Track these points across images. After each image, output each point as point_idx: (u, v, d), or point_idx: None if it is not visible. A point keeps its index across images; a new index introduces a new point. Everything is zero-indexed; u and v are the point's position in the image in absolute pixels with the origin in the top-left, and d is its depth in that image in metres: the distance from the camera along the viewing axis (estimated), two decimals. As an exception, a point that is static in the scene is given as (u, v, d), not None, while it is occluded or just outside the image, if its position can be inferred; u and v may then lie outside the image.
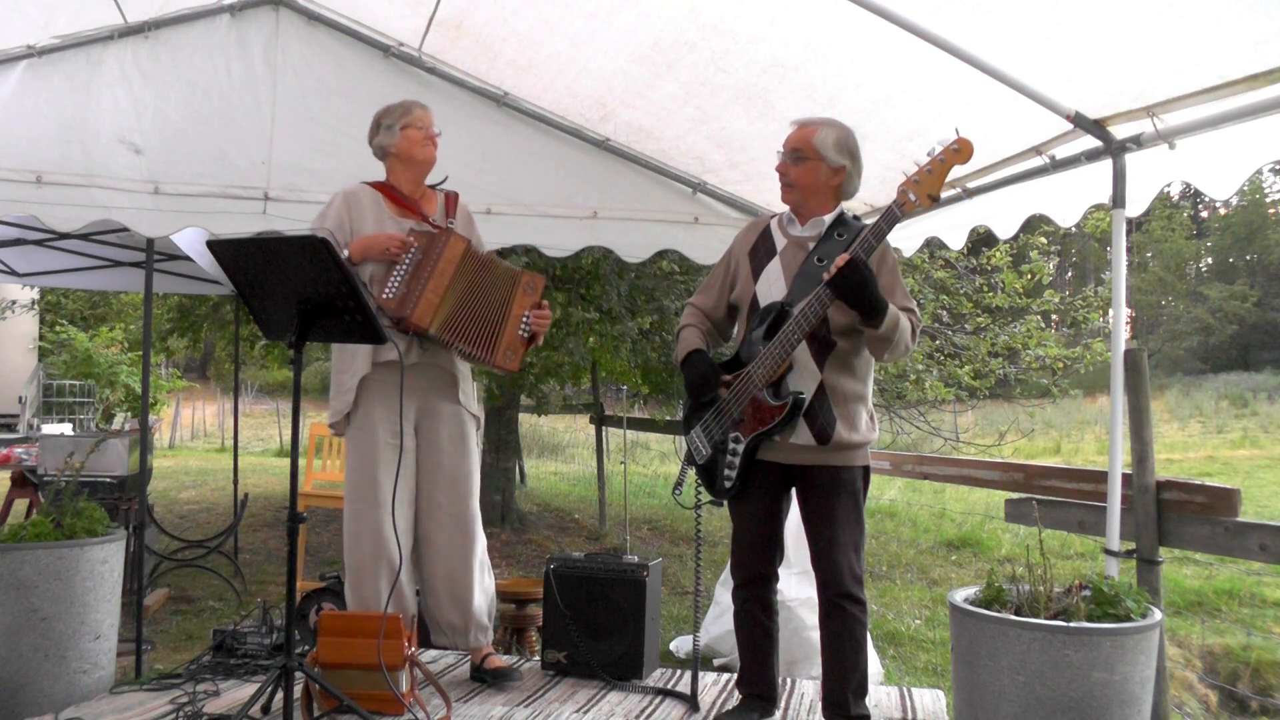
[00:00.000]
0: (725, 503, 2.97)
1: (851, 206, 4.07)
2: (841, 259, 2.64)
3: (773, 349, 2.77)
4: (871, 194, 4.09)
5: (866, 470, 2.92)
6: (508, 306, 3.23)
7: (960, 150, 2.63)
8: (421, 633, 3.62)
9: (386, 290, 3.15)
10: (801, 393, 2.79)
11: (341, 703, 2.84)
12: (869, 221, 2.82)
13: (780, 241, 2.96)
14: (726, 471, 2.88)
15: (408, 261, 3.16)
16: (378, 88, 4.13)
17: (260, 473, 12.83)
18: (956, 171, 3.70)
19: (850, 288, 2.65)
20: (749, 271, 2.97)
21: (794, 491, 2.97)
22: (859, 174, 2.93)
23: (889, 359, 2.87)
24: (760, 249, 2.98)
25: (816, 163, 2.86)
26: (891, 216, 2.66)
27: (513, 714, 3.08)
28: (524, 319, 3.25)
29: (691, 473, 3.02)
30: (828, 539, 2.82)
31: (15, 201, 3.79)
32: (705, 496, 2.99)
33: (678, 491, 3.06)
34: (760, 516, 2.94)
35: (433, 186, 3.45)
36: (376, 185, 3.35)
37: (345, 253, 3.13)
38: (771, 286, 2.89)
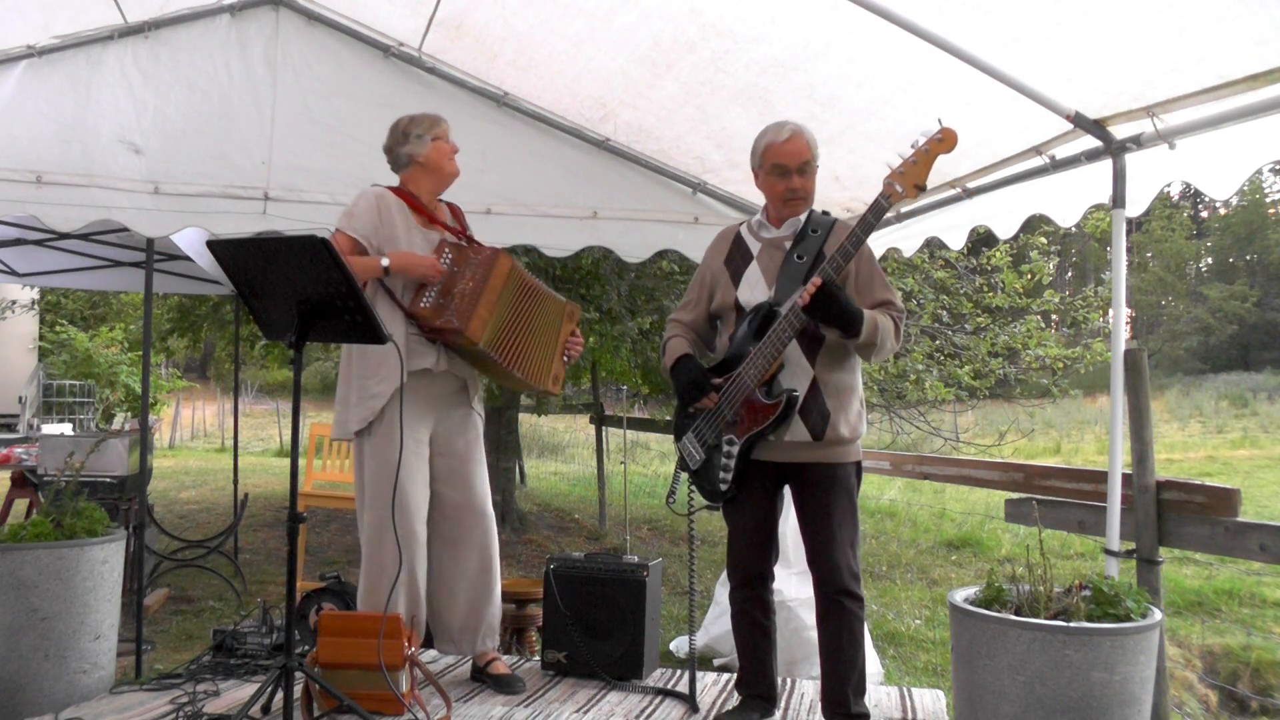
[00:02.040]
0: (720, 506, 2.98)
1: (850, 206, 4.08)
2: (813, 284, 2.66)
3: (763, 349, 2.78)
4: (871, 194, 4.08)
5: (859, 466, 2.93)
6: (558, 335, 3.33)
7: (944, 139, 2.63)
8: (424, 634, 3.62)
9: (424, 300, 3.15)
10: (795, 390, 2.79)
11: (341, 703, 2.84)
12: (845, 217, 2.83)
13: (755, 246, 2.98)
14: (722, 475, 2.88)
15: (447, 275, 3.19)
16: (378, 88, 4.13)
17: (260, 473, 12.83)
18: (957, 171, 3.73)
19: (822, 311, 2.68)
20: (728, 279, 2.98)
21: (787, 490, 2.97)
22: None
23: (876, 360, 2.90)
24: (735, 256, 3.00)
25: (815, 166, 2.92)
26: (879, 209, 2.67)
27: (513, 714, 3.08)
28: (567, 346, 3.38)
29: (685, 478, 3.02)
30: (825, 537, 2.83)
31: (15, 201, 3.79)
32: (699, 501, 2.99)
33: (670, 500, 3.06)
34: (755, 517, 2.95)
35: None
36: (397, 191, 3.31)
37: (386, 261, 3.12)
38: (754, 289, 2.91)
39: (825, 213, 2.98)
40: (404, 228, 3.25)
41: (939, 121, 2.65)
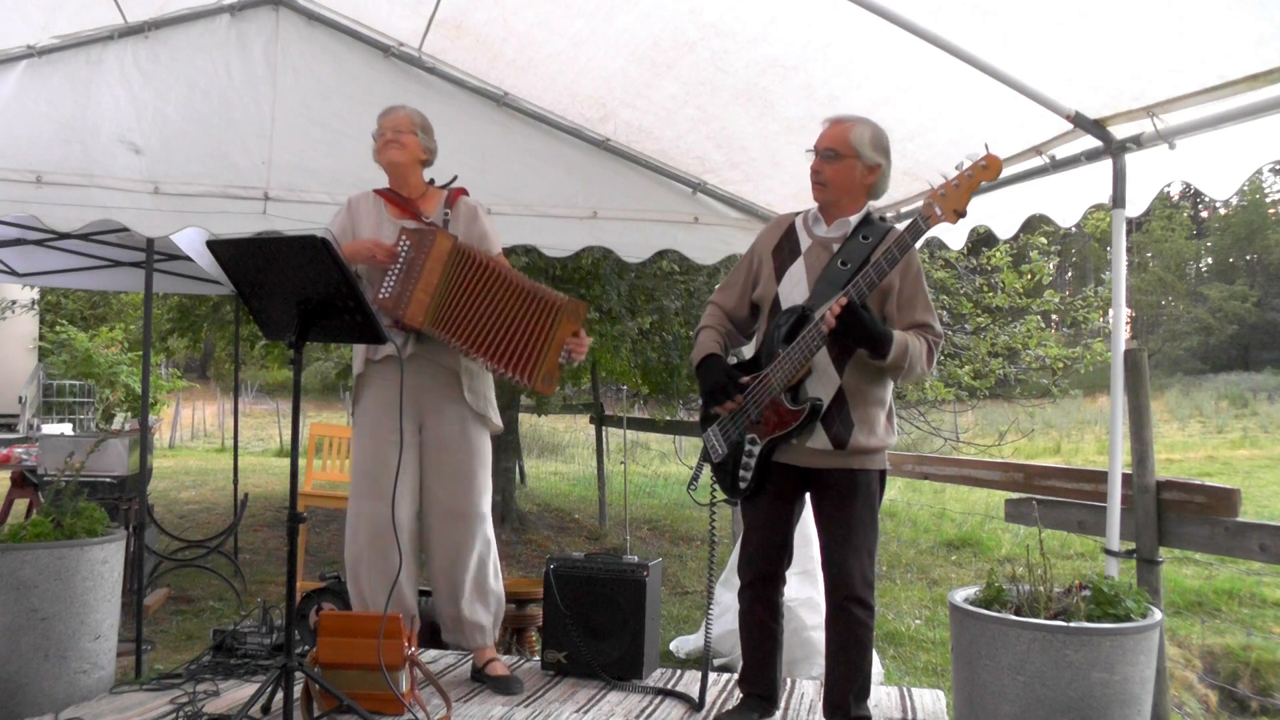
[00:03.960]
0: (739, 502, 2.97)
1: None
2: (837, 305, 2.63)
3: (792, 354, 2.75)
4: (871, 194, 4.09)
5: (883, 474, 2.89)
6: (550, 333, 3.22)
7: (989, 167, 2.59)
8: (426, 633, 3.63)
9: (383, 290, 3.17)
10: (819, 398, 2.77)
11: (341, 703, 2.83)
12: (892, 224, 2.79)
13: (805, 241, 2.91)
14: (743, 472, 2.87)
15: (401, 260, 3.18)
16: (378, 88, 4.13)
17: (260, 473, 12.83)
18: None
19: (848, 333, 2.65)
20: (772, 271, 2.93)
21: (808, 494, 2.96)
22: (890, 172, 2.89)
23: (903, 382, 2.85)
24: (784, 248, 2.94)
25: (852, 160, 2.81)
26: (917, 230, 2.63)
27: (513, 714, 3.08)
28: (567, 347, 3.25)
29: (707, 469, 3.01)
30: (840, 541, 2.81)
31: (15, 201, 3.80)
32: (720, 494, 2.99)
33: (693, 487, 3.04)
34: (773, 518, 2.94)
35: (443, 186, 3.46)
36: (379, 191, 3.41)
37: None
38: (794, 289, 2.85)
39: (883, 219, 2.91)
40: (374, 224, 3.34)
41: (985, 147, 2.59)
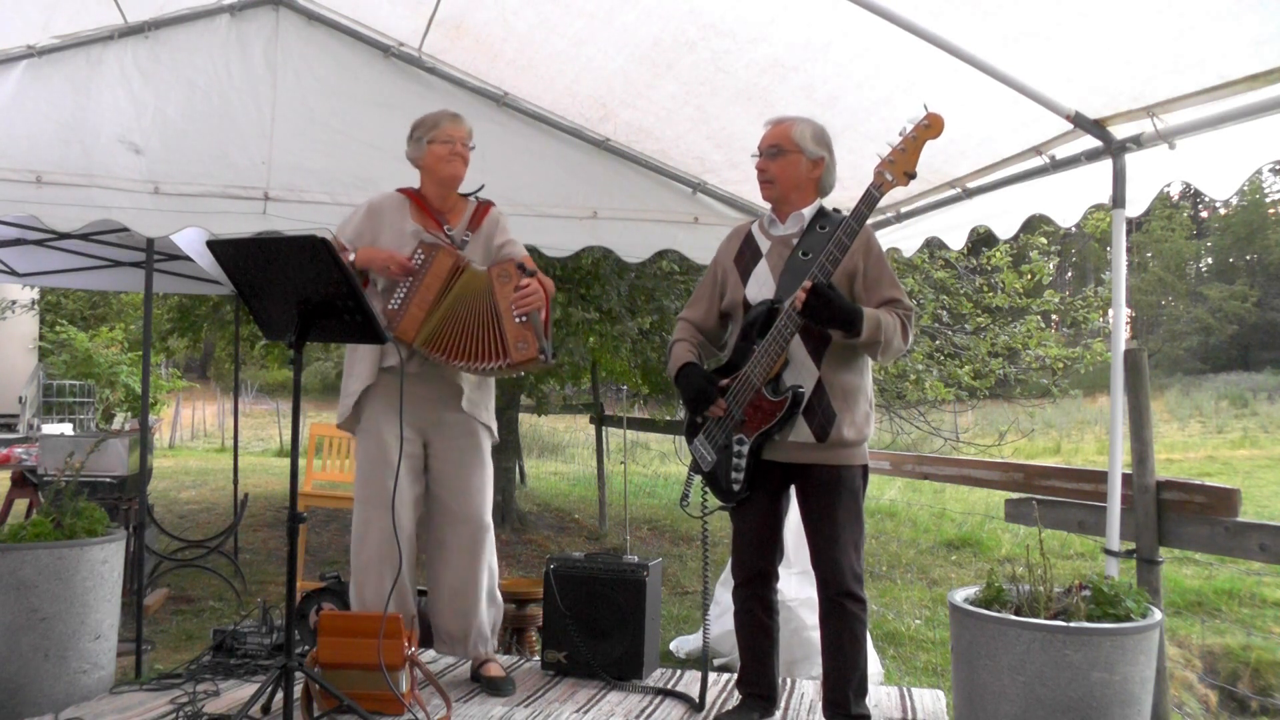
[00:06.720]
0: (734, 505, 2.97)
1: (846, 205, 4.08)
2: (802, 290, 2.65)
3: (767, 346, 2.77)
4: (871, 194, 4.09)
5: (865, 469, 2.92)
6: (494, 306, 3.17)
7: (931, 125, 2.65)
8: (423, 633, 3.63)
9: (392, 301, 3.16)
10: (801, 386, 2.79)
11: (341, 703, 2.84)
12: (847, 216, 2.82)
13: (764, 244, 2.97)
14: (734, 475, 2.87)
15: (416, 273, 3.17)
16: (378, 88, 4.13)
17: (260, 473, 12.83)
18: (957, 171, 3.73)
19: (817, 314, 2.67)
20: (737, 278, 2.98)
21: (793, 490, 2.97)
22: (834, 166, 2.96)
23: (883, 360, 2.87)
24: (745, 254, 3.00)
25: (796, 156, 2.89)
26: (871, 199, 2.67)
27: (513, 714, 3.08)
28: (513, 307, 3.15)
29: (697, 481, 3.01)
30: (828, 538, 2.82)
31: (15, 201, 3.79)
32: (713, 503, 2.99)
33: (684, 503, 3.05)
34: (761, 515, 2.95)
35: (469, 195, 3.43)
36: (408, 192, 3.35)
37: (352, 256, 3.15)
38: (761, 288, 2.90)
39: (837, 210, 2.96)
40: (395, 230, 3.27)
41: (925, 107, 2.66)
